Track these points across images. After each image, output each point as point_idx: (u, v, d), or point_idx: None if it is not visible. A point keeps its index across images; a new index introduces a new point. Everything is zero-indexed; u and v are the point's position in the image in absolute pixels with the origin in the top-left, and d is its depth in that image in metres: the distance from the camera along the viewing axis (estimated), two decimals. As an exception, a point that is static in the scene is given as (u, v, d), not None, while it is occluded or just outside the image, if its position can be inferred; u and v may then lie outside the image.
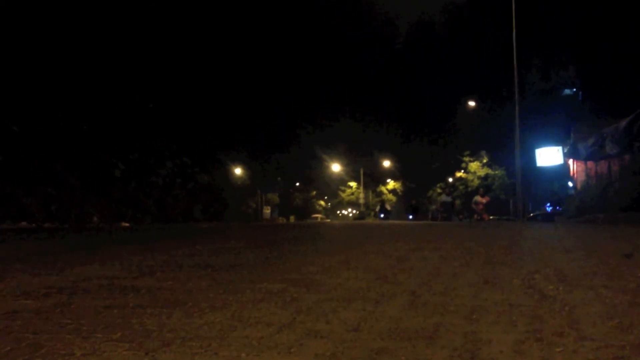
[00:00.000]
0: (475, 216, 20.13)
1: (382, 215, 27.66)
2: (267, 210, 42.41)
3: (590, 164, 16.59)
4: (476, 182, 33.50)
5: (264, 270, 3.52)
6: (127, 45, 15.42)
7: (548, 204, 29.74)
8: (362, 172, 46.47)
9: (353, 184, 49.29)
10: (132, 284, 3.01)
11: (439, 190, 34.51)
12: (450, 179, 37.03)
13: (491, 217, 21.64)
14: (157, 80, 16.83)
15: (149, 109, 16.82)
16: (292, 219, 44.55)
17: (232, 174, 36.89)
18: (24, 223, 11.25)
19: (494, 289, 2.74)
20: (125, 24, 15.24)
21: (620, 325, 2.00)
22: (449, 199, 22.14)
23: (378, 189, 47.45)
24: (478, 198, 20.92)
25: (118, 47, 15.07)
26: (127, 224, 13.46)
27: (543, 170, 28.95)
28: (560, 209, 23.71)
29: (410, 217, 26.79)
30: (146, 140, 16.26)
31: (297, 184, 51.56)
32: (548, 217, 22.20)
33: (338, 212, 62.28)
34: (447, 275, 3.15)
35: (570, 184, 24.47)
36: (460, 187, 34.05)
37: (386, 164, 44.90)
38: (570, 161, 19.46)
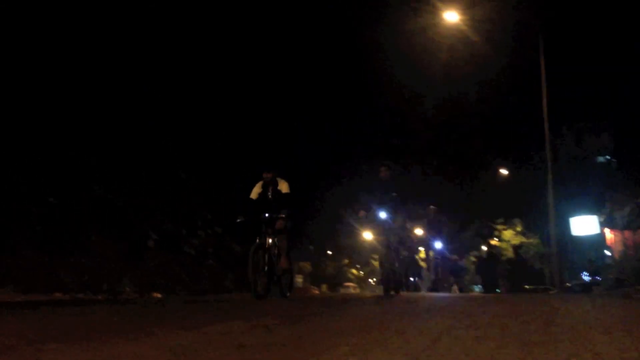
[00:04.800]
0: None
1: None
2: (299, 280, 42.20)
3: (627, 233, 16.34)
4: (510, 250, 33.02)
5: (297, 351, 3.48)
6: (160, 121, 15.86)
7: (585, 274, 29.10)
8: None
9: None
10: (164, 366, 3.00)
11: (472, 259, 34.04)
12: (484, 247, 36.56)
13: (527, 287, 21.14)
14: (189, 152, 17.20)
15: (181, 179, 17.12)
16: (324, 288, 44.17)
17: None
18: (57, 294, 11.34)
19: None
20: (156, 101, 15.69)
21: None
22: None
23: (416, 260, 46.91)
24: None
25: (151, 123, 15.50)
26: (159, 295, 13.49)
27: (579, 239, 28.44)
28: (598, 278, 23.15)
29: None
30: (179, 211, 16.48)
31: (329, 252, 51.32)
32: (585, 288, 21.66)
33: (371, 280, 61.72)
34: (482, 359, 3.07)
35: (607, 253, 23.96)
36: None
37: (418, 231, 44.60)
38: (607, 230, 19.15)
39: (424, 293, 17.10)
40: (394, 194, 10.48)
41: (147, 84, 16.61)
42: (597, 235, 27.60)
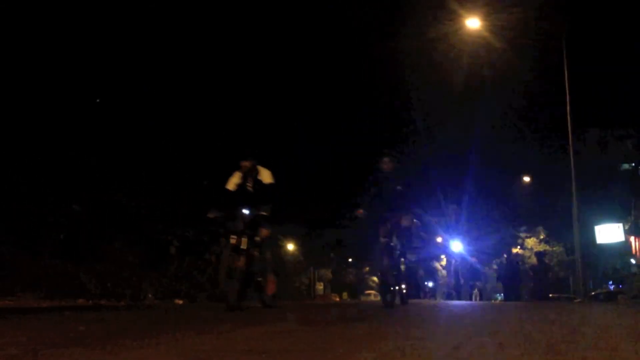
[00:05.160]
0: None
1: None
2: (320, 287, 42.12)
3: (653, 241, 16.06)
4: (533, 258, 32.68)
5: (317, 357, 3.47)
6: (181, 129, 15.98)
7: (610, 282, 28.70)
8: (415, 248, 45.84)
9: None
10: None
11: (494, 267, 33.75)
12: (505, 255, 36.19)
13: (551, 295, 20.85)
14: (211, 159, 17.27)
15: (203, 186, 17.21)
16: (345, 295, 44.05)
17: (285, 249, 37.02)
18: (81, 300, 11.45)
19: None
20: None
21: None
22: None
23: (432, 266, 46.69)
24: None
25: (172, 131, 15.63)
26: (180, 301, 13.56)
27: (603, 247, 28.06)
28: (623, 287, 22.81)
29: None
30: (201, 218, 16.54)
31: (350, 259, 51.21)
32: (610, 296, 21.36)
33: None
34: (506, 366, 3.03)
35: (632, 261, 23.61)
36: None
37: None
38: (632, 238, 18.88)
39: (441, 300, 16.83)
40: (399, 188, 9.16)
41: (166, 89, 16.76)
42: (622, 243, 27.22)
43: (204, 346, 3.96)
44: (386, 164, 9.37)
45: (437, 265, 22.77)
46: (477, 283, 18.98)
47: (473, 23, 21.49)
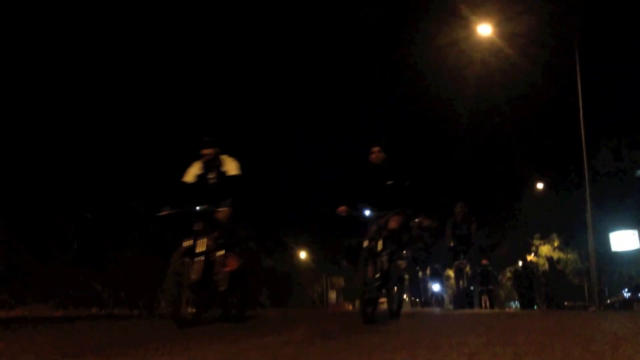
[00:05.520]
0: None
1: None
2: (332, 295, 41.98)
3: (669, 248, 15.90)
4: (547, 266, 32.47)
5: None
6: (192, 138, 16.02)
7: (625, 290, 28.43)
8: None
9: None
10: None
11: (508, 274, 33.54)
12: (520, 263, 35.99)
13: (566, 303, 20.61)
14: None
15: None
16: (357, 303, 43.93)
17: (297, 257, 37.00)
18: (94, 309, 11.50)
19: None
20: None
21: None
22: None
23: (446, 274, 46.45)
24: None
25: (186, 141, 15.68)
26: (193, 310, 13.55)
27: (618, 254, 27.81)
28: (639, 295, 22.60)
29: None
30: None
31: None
32: (626, 304, 21.16)
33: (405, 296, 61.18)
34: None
35: (648, 268, 23.39)
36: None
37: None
38: (648, 245, 18.69)
39: (450, 309, 16.48)
40: (390, 183, 7.70)
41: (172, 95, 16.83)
42: (637, 250, 27.01)
43: (219, 355, 3.96)
44: (375, 153, 7.85)
45: (448, 271, 22.23)
46: (490, 287, 18.19)
47: (485, 30, 21.44)
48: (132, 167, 14.64)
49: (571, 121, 22.45)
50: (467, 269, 13.81)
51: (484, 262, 18.75)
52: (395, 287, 7.87)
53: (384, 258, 7.34)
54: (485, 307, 18.04)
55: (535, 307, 19.60)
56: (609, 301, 25.00)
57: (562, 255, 32.85)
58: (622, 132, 30.70)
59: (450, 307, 17.83)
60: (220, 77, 20.76)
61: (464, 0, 22.43)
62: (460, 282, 13.89)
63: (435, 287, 18.97)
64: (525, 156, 33.19)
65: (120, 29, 15.99)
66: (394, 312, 7.72)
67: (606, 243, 27.52)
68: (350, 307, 38.42)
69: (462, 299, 14.03)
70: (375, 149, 7.82)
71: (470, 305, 14.04)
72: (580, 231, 25.45)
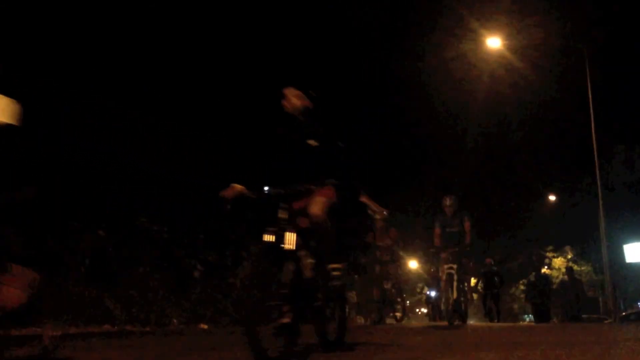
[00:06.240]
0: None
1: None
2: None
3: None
4: (562, 277, 32.24)
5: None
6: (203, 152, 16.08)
7: (640, 302, 28.17)
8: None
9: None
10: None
11: (522, 287, 33.28)
12: (534, 273, 35.68)
13: (584, 316, 20.22)
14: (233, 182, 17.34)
15: (226, 210, 17.24)
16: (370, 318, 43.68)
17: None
18: (107, 326, 11.48)
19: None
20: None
21: None
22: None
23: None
24: None
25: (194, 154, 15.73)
26: (205, 326, 13.52)
27: (633, 266, 27.59)
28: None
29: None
30: (224, 241, 16.59)
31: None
32: (642, 317, 20.92)
33: (417, 310, 60.69)
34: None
35: (664, 280, 23.16)
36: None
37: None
38: (663, 257, 18.49)
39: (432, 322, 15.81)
40: (311, 142, 4.97)
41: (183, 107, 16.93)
42: (653, 262, 26.82)
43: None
44: (290, 99, 5.22)
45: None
46: (495, 290, 17.19)
47: (494, 42, 21.46)
48: (142, 183, 14.70)
49: (583, 132, 22.37)
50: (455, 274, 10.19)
51: (488, 260, 18.01)
52: (332, 307, 5.22)
53: (305, 262, 4.78)
54: (492, 313, 17.26)
55: (551, 320, 19.09)
56: (624, 314, 24.74)
57: (576, 267, 32.60)
58: (635, 142, 30.54)
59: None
60: (220, 80, 20.76)
61: (473, 13, 22.50)
62: (450, 294, 10.19)
63: (432, 293, 18.38)
64: (536, 168, 33.08)
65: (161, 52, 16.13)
66: (326, 345, 5.04)
67: (620, 255, 27.29)
68: (363, 321, 38.23)
69: (450, 312, 10.36)
70: (292, 91, 5.25)
71: (462, 319, 10.54)
72: (594, 243, 25.28)
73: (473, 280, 16.78)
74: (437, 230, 10.67)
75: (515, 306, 34.56)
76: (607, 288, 19.86)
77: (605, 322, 19.26)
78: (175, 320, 13.36)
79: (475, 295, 16.12)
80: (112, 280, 12.71)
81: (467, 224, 10.62)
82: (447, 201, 10.83)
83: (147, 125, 15.47)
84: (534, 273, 19.92)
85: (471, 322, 17.10)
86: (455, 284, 10.09)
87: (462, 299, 10.32)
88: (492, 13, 22.46)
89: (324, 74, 28.76)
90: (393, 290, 14.78)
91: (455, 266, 10.14)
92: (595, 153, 20.14)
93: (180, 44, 17.62)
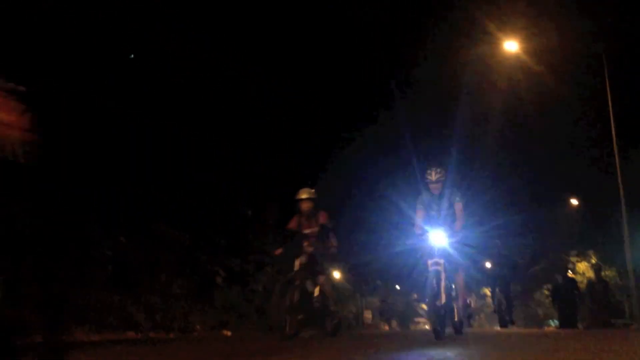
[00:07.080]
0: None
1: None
2: (368, 315, 41.61)
3: None
4: (585, 283, 31.83)
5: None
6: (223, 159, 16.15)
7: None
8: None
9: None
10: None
11: (546, 292, 32.90)
12: (561, 276, 35.24)
13: (612, 321, 19.80)
14: (256, 190, 17.42)
15: (247, 215, 17.35)
16: (394, 324, 43.47)
17: (332, 278, 36.85)
18: (130, 332, 11.55)
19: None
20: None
21: None
22: None
23: (481, 291, 45.73)
24: None
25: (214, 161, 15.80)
26: (228, 332, 13.55)
27: (658, 270, 27.13)
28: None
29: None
30: (246, 248, 16.66)
31: (397, 286, 50.59)
32: (669, 322, 20.57)
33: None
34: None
35: (690, 284, 22.77)
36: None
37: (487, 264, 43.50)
38: (690, 260, 18.20)
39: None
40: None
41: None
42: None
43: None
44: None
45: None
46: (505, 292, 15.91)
47: (511, 46, 21.31)
48: (162, 190, 14.76)
49: (602, 135, 22.16)
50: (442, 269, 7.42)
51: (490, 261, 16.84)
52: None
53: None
54: (501, 310, 15.44)
55: (577, 325, 18.38)
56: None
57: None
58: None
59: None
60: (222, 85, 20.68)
61: (489, 15, 22.35)
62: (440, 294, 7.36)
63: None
64: (557, 172, 32.78)
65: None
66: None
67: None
68: (387, 328, 38.06)
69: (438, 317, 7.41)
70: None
71: (459, 327, 8.18)
72: (618, 247, 24.94)
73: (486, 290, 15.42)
74: (420, 212, 8.07)
75: (540, 312, 34.14)
76: (632, 293, 19.56)
77: (632, 327, 18.98)
78: (198, 327, 13.41)
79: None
80: (135, 287, 12.80)
81: (458, 205, 8.06)
82: (432, 175, 7.94)
83: (170, 132, 15.54)
84: (560, 276, 19.30)
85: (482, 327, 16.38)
86: (443, 283, 7.40)
87: (453, 304, 7.94)
88: (509, 16, 22.18)
89: (336, 78, 28.73)
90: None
91: (442, 261, 7.41)
92: (616, 154, 19.94)
93: (205, 50, 17.64)
